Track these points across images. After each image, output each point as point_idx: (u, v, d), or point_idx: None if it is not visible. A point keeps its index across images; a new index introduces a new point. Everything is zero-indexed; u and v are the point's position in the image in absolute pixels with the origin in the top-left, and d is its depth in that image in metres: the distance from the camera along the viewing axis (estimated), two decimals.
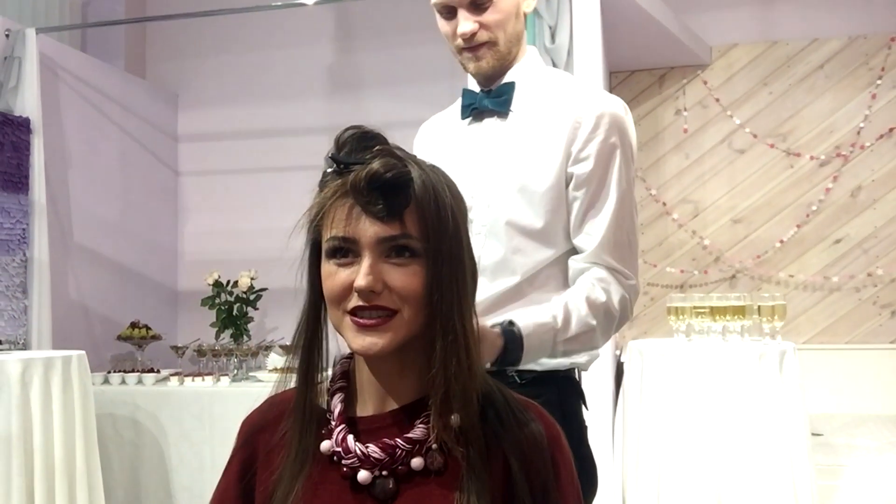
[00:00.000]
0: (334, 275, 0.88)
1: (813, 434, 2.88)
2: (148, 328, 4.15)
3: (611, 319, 1.38)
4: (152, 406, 3.58)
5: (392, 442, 0.89)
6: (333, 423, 0.92)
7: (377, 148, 0.89)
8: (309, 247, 0.93)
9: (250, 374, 3.84)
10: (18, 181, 3.57)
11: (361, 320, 0.87)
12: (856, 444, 3.44)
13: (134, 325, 4.15)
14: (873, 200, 4.36)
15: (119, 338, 4.13)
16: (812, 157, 4.43)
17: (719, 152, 4.57)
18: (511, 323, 1.28)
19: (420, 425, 0.90)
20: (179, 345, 4.06)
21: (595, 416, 2.54)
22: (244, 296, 4.20)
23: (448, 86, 4.09)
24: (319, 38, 4.82)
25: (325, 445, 0.92)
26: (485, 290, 1.39)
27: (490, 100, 1.47)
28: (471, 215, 1.38)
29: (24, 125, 3.60)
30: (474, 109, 1.49)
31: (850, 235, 4.37)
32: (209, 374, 3.72)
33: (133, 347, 4.13)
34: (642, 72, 4.67)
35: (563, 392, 1.43)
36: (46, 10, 4.37)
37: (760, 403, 2.52)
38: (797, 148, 4.45)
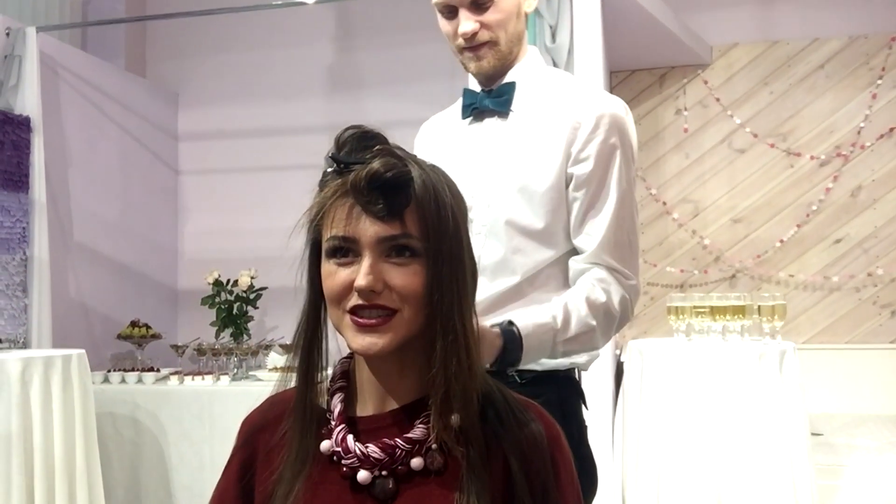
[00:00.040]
0: (334, 274, 0.88)
1: (813, 434, 2.88)
2: (148, 327, 4.15)
3: (611, 320, 1.38)
4: (152, 405, 3.58)
5: (392, 442, 0.89)
6: (333, 422, 0.92)
7: (377, 147, 0.89)
8: (309, 246, 0.92)
9: (250, 373, 3.84)
10: (18, 180, 3.57)
11: (361, 320, 0.87)
12: (856, 444, 3.44)
13: (134, 324, 4.15)
14: (873, 200, 4.36)
15: (119, 337, 4.13)
16: (812, 157, 4.43)
17: (719, 152, 4.57)
18: (510, 323, 1.28)
19: (420, 425, 0.90)
20: (179, 344, 4.06)
21: (595, 415, 2.54)
22: (244, 295, 4.20)
23: (448, 85, 4.09)
24: (319, 38, 4.82)
25: (325, 445, 0.92)
26: (485, 290, 1.38)
27: (491, 100, 1.47)
28: (471, 215, 1.38)
29: (24, 124, 3.60)
30: (475, 109, 1.49)
31: (850, 235, 4.37)
32: (209, 373, 3.72)
33: (133, 346, 4.13)
34: (643, 71, 4.67)
35: (563, 392, 1.42)
36: (47, 8, 4.37)
37: (760, 403, 2.52)
38: (797, 148, 4.45)
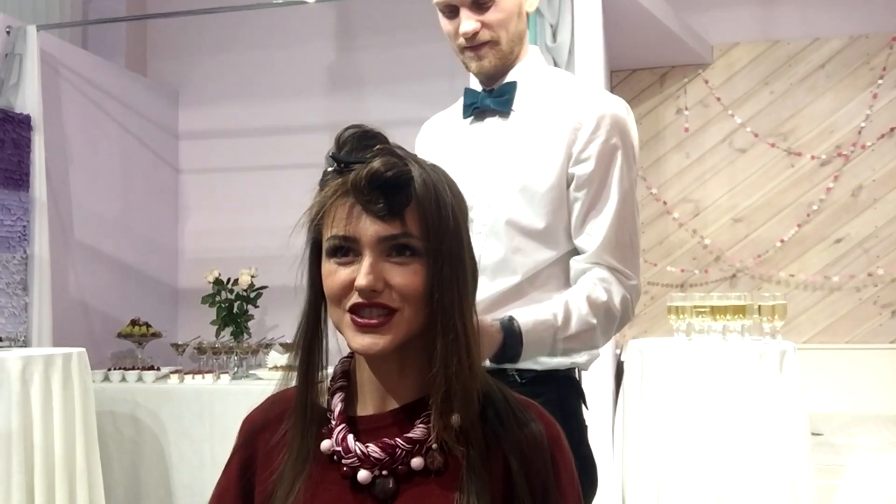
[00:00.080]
0: (335, 273, 0.88)
1: (813, 433, 2.88)
2: (148, 326, 4.16)
3: (611, 319, 1.38)
4: (152, 404, 3.58)
5: (392, 442, 0.89)
6: (334, 422, 0.92)
7: (378, 147, 0.89)
8: (309, 246, 0.92)
9: (250, 371, 3.84)
10: (19, 178, 3.57)
11: (361, 320, 0.87)
12: (856, 444, 3.44)
13: (134, 323, 4.15)
14: (874, 200, 4.36)
15: (119, 335, 4.13)
16: (813, 157, 4.43)
17: (720, 151, 4.57)
18: (511, 319, 1.28)
19: (420, 425, 0.90)
20: (180, 342, 4.06)
21: (595, 415, 2.54)
22: (244, 293, 4.20)
23: (448, 84, 4.10)
24: (320, 37, 4.82)
25: (326, 445, 0.92)
26: (485, 290, 1.38)
27: (492, 99, 1.47)
28: (472, 215, 1.38)
29: (24, 122, 3.60)
30: (476, 109, 1.49)
31: (850, 235, 4.37)
32: (209, 371, 3.72)
33: (133, 345, 4.13)
34: (643, 71, 4.67)
35: (564, 391, 1.42)
36: (47, 7, 4.37)
37: (760, 403, 2.52)
38: (798, 147, 4.45)
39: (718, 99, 4.55)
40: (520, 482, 0.89)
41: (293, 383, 0.95)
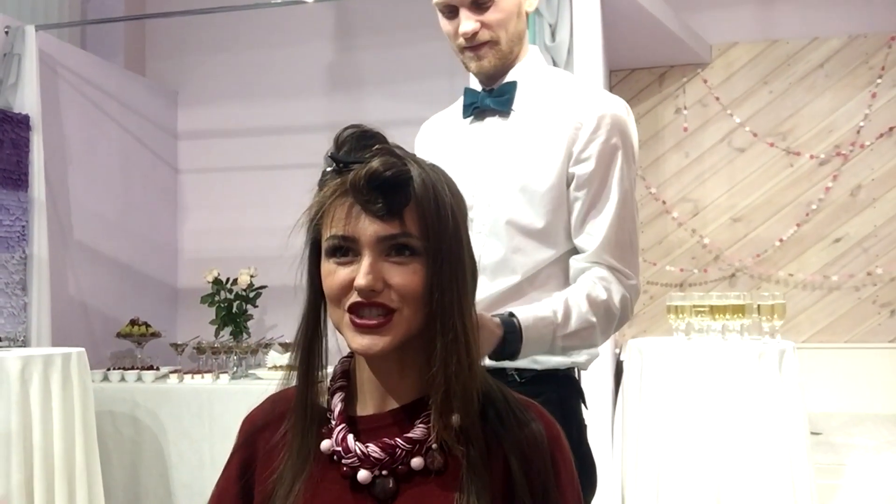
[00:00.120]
0: (334, 273, 0.88)
1: (812, 433, 2.88)
2: (147, 325, 4.16)
3: (611, 318, 1.38)
4: (152, 403, 3.58)
5: (392, 441, 0.89)
6: (334, 422, 0.92)
7: (377, 147, 0.89)
8: (309, 246, 0.92)
9: (250, 371, 3.84)
10: (18, 178, 3.57)
11: (361, 320, 0.87)
12: (855, 443, 3.44)
13: (133, 323, 4.15)
14: (873, 199, 4.36)
15: (118, 335, 4.13)
16: (812, 156, 4.43)
17: (719, 151, 4.57)
18: (511, 314, 1.28)
19: (420, 425, 0.90)
20: (179, 342, 4.06)
21: (594, 414, 2.54)
22: (244, 293, 4.20)
23: (447, 84, 4.10)
24: (319, 37, 4.82)
25: (326, 445, 0.92)
26: (485, 290, 1.39)
27: (492, 99, 1.47)
28: (471, 214, 1.38)
29: (23, 122, 3.59)
30: (476, 108, 1.49)
31: (849, 234, 4.37)
32: (208, 371, 3.72)
33: (132, 345, 4.13)
34: (642, 70, 4.67)
35: (563, 391, 1.43)
36: (46, 7, 4.37)
37: (760, 402, 2.52)
38: (797, 147, 4.45)
39: (717, 98, 4.55)
40: (520, 482, 0.89)
41: (293, 383, 0.95)
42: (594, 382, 2.93)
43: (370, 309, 0.87)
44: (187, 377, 3.65)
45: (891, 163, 4.34)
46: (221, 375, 3.65)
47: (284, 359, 3.78)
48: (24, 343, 3.48)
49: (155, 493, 3.53)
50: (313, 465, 0.91)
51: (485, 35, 1.42)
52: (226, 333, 4.14)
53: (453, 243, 0.89)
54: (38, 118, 3.65)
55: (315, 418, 0.93)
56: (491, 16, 1.40)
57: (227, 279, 4.22)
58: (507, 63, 1.46)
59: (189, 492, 3.49)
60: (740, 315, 2.76)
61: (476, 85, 1.53)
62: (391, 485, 0.89)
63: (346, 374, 0.97)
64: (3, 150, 3.49)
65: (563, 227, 1.41)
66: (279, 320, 4.51)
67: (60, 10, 4.48)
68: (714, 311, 2.78)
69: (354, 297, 0.87)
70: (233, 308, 4.18)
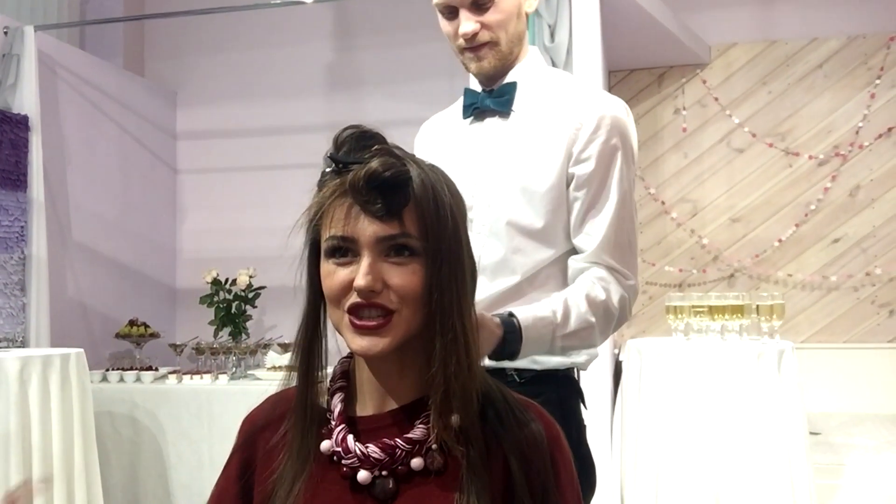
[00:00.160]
0: (333, 274, 0.88)
1: (811, 433, 2.88)
2: (146, 326, 4.15)
3: (610, 318, 1.38)
4: (150, 404, 3.58)
5: (392, 442, 0.89)
6: (333, 422, 0.92)
7: (376, 147, 0.89)
8: (308, 246, 0.92)
9: (249, 372, 3.84)
10: (17, 179, 3.57)
11: (360, 322, 0.87)
12: (854, 443, 3.44)
13: (132, 323, 4.15)
14: (872, 200, 4.36)
15: (117, 335, 4.13)
16: (811, 157, 4.43)
17: (718, 151, 4.57)
18: (511, 314, 1.28)
19: (420, 425, 0.90)
20: (178, 343, 4.06)
21: (593, 415, 2.54)
22: (242, 294, 4.20)
23: (447, 84, 4.10)
24: (318, 37, 4.82)
25: (325, 445, 0.92)
26: (484, 290, 1.39)
27: (492, 100, 1.47)
28: (471, 215, 1.38)
29: (22, 122, 3.59)
30: (476, 109, 1.49)
31: (848, 235, 4.38)
32: (207, 372, 3.71)
33: (131, 345, 4.13)
34: (641, 71, 4.67)
35: (563, 391, 1.43)
36: (45, 7, 4.37)
37: (759, 402, 2.52)
38: (796, 147, 4.45)
39: (716, 99, 4.55)
40: (519, 482, 0.89)
41: (293, 383, 0.95)
42: (593, 383, 2.93)
43: (369, 310, 0.87)
44: (186, 378, 3.64)
45: (889, 163, 4.35)
46: (220, 376, 3.64)
47: (283, 359, 3.78)
48: (23, 344, 3.48)
49: (154, 494, 3.53)
50: (313, 465, 0.91)
51: (485, 36, 1.42)
52: (225, 334, 4.14)
53: (452, 243, 0.89)
54: (37, 118, 3.65)
55: (315, 419, 0.93)
56: (491, 17, 1.40)
57: (226, 280, 4.22)
58: (506, 64, 1.46)
59: (188, 492, 3.49)
60: (739, 315, 2.76)
61: (476, 85, 1.53)
62: (391, 485, 0.89)
63: (346, 375, 0.97)
64: (2, 151, 3.49)
65: (563, 227, 1.41)
66: (278, 321, 4.51)
67: (59, 11, 4.47)
68: (713, 311, 2.78)
69: (354, 298, 0.87)
70: (232, 308, 4.18)
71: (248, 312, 4.23)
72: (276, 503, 0.91)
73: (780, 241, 4.44)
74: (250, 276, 4.20)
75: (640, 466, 2.73)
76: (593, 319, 1.35)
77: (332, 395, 0.95)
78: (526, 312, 1.29)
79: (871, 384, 4.19)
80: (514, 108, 1.46)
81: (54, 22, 4.32)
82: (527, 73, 1.48)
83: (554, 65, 3.02)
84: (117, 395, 3.62)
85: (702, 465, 2.54)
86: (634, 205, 1.46)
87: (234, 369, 3.79)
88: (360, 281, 0.85)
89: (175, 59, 5.00)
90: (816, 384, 3.92)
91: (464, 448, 0.88)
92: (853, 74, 4.40)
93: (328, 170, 0.90)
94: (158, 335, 4.18)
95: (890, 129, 4.34)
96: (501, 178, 1.42)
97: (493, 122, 1.48)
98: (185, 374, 3.69)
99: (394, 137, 0.92)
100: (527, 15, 1.47)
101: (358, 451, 0.89)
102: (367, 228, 0.86)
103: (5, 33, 3.67)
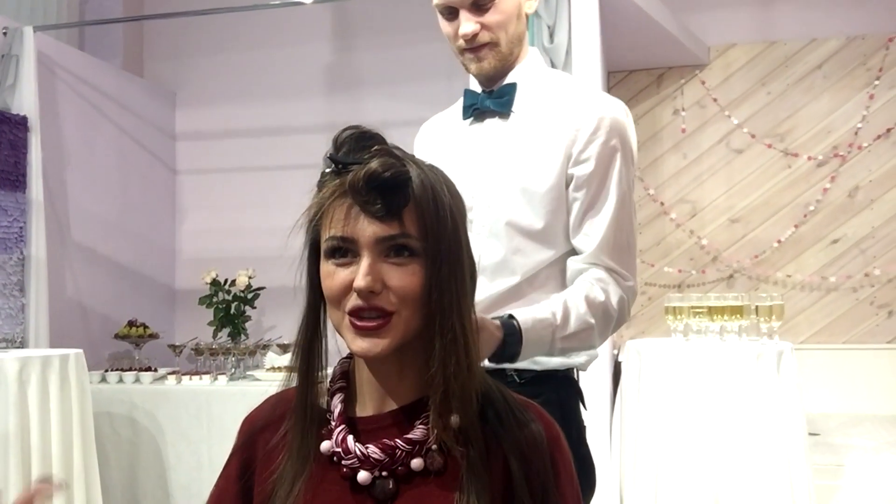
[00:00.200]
0: (333, 275, 0.88)
1: (810, 434, 2.89)
2: (145, 327, 4.15)
3: (609, 319, 1.38)
4: (150, 405, 3.57)
5: (392, 443, 0.89)
6: (333, 423, 0.92)
7: (375, 148, 0.88)
8: (308, 247, 0.92)
9: (248, 372, 3.84)
10: (16, 179, 3.57)
11: (360, 322, 0.87)
12: (853, 444, 3.44)
13: (131, 324, 4.15)
14: (871, 201, 4.36)
15: (116, 336, 4.13)
16: (810, 158, 4.43)
17: (717, 152, 4.57)
18: (511, 316, 1.28)
19: (420, 426, 0.90)
20: (177, 343, 4.06)
21: (592, 415, 2.54)
22: (242, 294, 4.20)
23: (446, 85, 4.10)
24: (317, 38, 4.82)
25: (325, 446, 0.92)
26: (484, 290, 1.39)
27: (492, 100, 1.47)
28: (471, 215, 1.38)
29: (21, 123, 3.59)
30: (476, 110, 1.50)
31: (847, 236, 4.38)
32: (206, 372, 3.71)
33: (130, 346, 4.13)
34: (640, 71, 4.67)
35: (563, 392, 1.43)
36: (44, 8, 4.37)
37: (758, 403, 2.52)
38: (795, 148, 4.46)
39: (715, 100, 4.56)
40: (519, 482, 0.89)
41: (293, 384, 0.95)
42: (593, 383, 2.93)
43: (369, 311, 0.87)
44: (185, 378, 3.64)
45: (888, 164, 4.35)
46: (219, 377, 3.64)
47: (282, 360, 3.78)
48: (22, 344, 3.48)
49: (153, 495, 3.53)
50: (313, 465, 0.91)
51: (485, 37, 1.42)
52: (224, 335, 4.14)
53: (452, 244, 0.89)
54: (36, 119, 3.65)
55: (315, 419, 0.93)
56: (491, 17, 1.41)
57: (226, 280, 4.22)
58: (506, 65, 1.46)
59: (187, 493, 3.49)
60: (738, 316, 2.76)
61: (476, 86, 1.53)
62: (391, 486, 0.89)
63: (346, 376, 0.97)
64: (1, 152, 3.49)
65: (563, 228, 1.41)
66: (277, 321, 4.51)
67: (59, 12, 4.47)
68: (712, 312, 2.79)
69: (354, 299, 0.87)
70: (231, 309, 4.18)
71: (247, 313, 4.23)
72: (277, 503, 0.91)
73: (779, 241, 4.45)
74: (249, 277, 4.19)
75: (640, 467, 2.73)
76: (593, 321, 1.35)
77: (331, 396, 0.95)
78: (525, 314, 1.29)
79: (870, 385, 4.20)
80: (513, 109, 1.46)
81: (53, 22, 4.32)
82: (527, 74, 1.48)
83: (553, 66, 3.02)
84: (116, 395, 3.62)
85: (701, 466, 2.54)
86: (634, 206, 1.46)
87: (233, 370, 3.79)
88: (360, 282, 0.85)
89: (174, 60, 5.00)
90: (815, 385, 3.92)
91: (463, 448, 0.88)
92: (852, 75, 4.40)
93: (328, 170, 0.90)
94: (157, 336, 4.18)
95: (889, 130, 4.35)
96: (501, 178, 1.42)
97: (492, 123, 1.48)
98: (184, 374, 3.69)
99: (393, 138, 0.92)
100: (527, 16, 1.48)
101: (358, 452, 0.89)
102: (367, 229, 0.86)
103: (4, 34, 3.67)
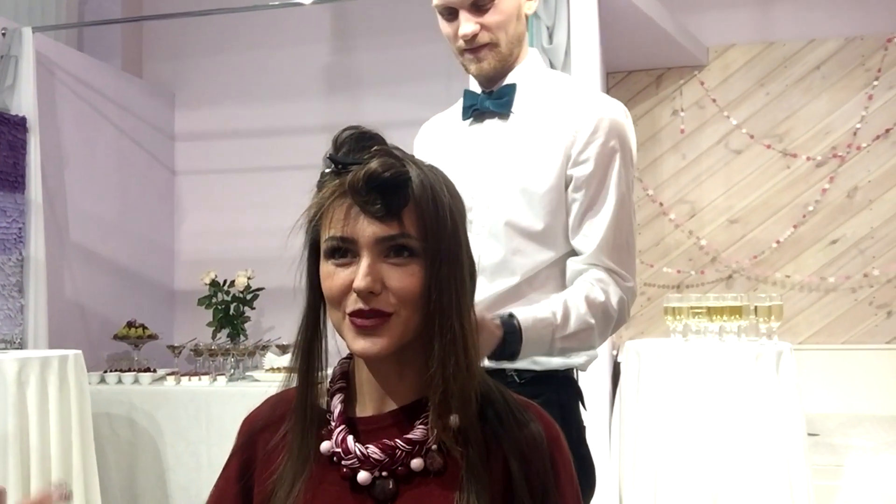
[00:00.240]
0: (333, 275, 0.88)
1: (809, 434, 2.89)
2: (144, 327, 4.15)
3: (608, 320, 1.38)
4: (149, 405, 3.57)
5: (392, 443, 0.89)
6: (333, 423, 0.92)
7: (375, 148, 0.89)
8: (307, 247, 0.92)
9: (247, 373, 3.84)
10: (15, 180, 3.56)
11: (360, 321, 0.87)
12: (852, 444, 3.45)
13: (130, 325, 4.15)
14: (869, 201, 4.37)
15: (115, 337, 4.12)
16: (808, 158, 4.44)
17: (716, 153, 4.57)
18: (511, 315, 1.28)
19: (420, 426, 0.90)
20: (176, 344, 4.05)
21: (592, 415, 2.54)
22: (241, 295, 4.19)
23: (445, 85, 4.10)
24: (316, 38, 4.82)
25: (325, 446, 0.92)
26: (484, 291, 1.39)
27: (491, 101, 1.47)
28: (471, 216, 1.38)
29: (20, 124, 3.59)
30: (475, 110, 1.50)
31: (846, 236, 4.38)
32: (206, 373, 3.71)
33: (129, 347, 4.12)
34: (639, 72, 4.68)
35: (563, 392, 1.43)
36: (43, 8, 4.36)
37: (757, 403, 2.52)
38: (794, 149, 4.46)
39: (714, 100, 4.56)
40: (519, 483, 0.89)
41: (293, 384, 0.95)
42: (592, 384, 2.93)
43: (369, 313, 0.87)
44: (184, 379, 3.64)
45: (887, 164, 4.35)
46: (218, 377, 3.64)
47: (282, 361, 3.78)
48: (21, 345, 3.48)
49: (152, 496, 3.53)
50: (313, 466, 0.91)
51: (484, 37, 1.42)
52: (223, 335, 4.13)
53: (452, 244, 0.89)
54: (35, 120, 3.65)
55: (315, 419, 0.93)
56: (490, 18, 1.41)
57: (225, 281, 4.22)
58: (506, 65, 1.46)
59: (186, 494, 3.49)
60: (737, 316, 2.76)
61: (475, 87, 1.53)
62: (391, 486, 0.89)
63: (346, 376, 0.97)
64: (0, 152, 3.49)
65: (563, 229, 1.41)
66: (276, 322, 4.51)
67: (57, 12, 4.47)
68: (711, 312, 2.79)
69: (353, 301, 0.87)
70: (230, 310, 4.17)
71: (246, 314, 4.23)
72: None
73: (778, 242, 4.45)
74: (249, 278, 4.19)
75: (639, 467, 2.73)
76: (592, 321, 1.35)
77: (331, 396, 0.95)
78: (526, 313, 1.29)
79: (870, 385, 4.20)
80: (513, 109, 1.46)
81: (52, 23, 4.32)
82: (526, 74, 1.48)
83: (552, 66, 3.02)
84: (115, 396, 3.61)
85: (700, 466, 2.54)
86: (633, 206, 1.46)
87: (232, 371, 3.79)
88: (360, 282, 0.85)
89: (173, 61, 5.00)
90: (815, 385, 3.92)
91: (463, 449, 0.88)
92: (851, 76, 4.40)
93: (327, 171, 0.90)
94: (156, 337, 4.18)
95: (888, 131, 4.35)
96: (501, 179, 1.42)
97: (492, 124, 1.48)
98: (183, 375, 3.69)
99: (393, 138, 0.92)
100: (526, 17, 1.48)
101: (358, 452, 0.89)
102: (367, 229, 0.86)
103: (3, 35, 3.67)
